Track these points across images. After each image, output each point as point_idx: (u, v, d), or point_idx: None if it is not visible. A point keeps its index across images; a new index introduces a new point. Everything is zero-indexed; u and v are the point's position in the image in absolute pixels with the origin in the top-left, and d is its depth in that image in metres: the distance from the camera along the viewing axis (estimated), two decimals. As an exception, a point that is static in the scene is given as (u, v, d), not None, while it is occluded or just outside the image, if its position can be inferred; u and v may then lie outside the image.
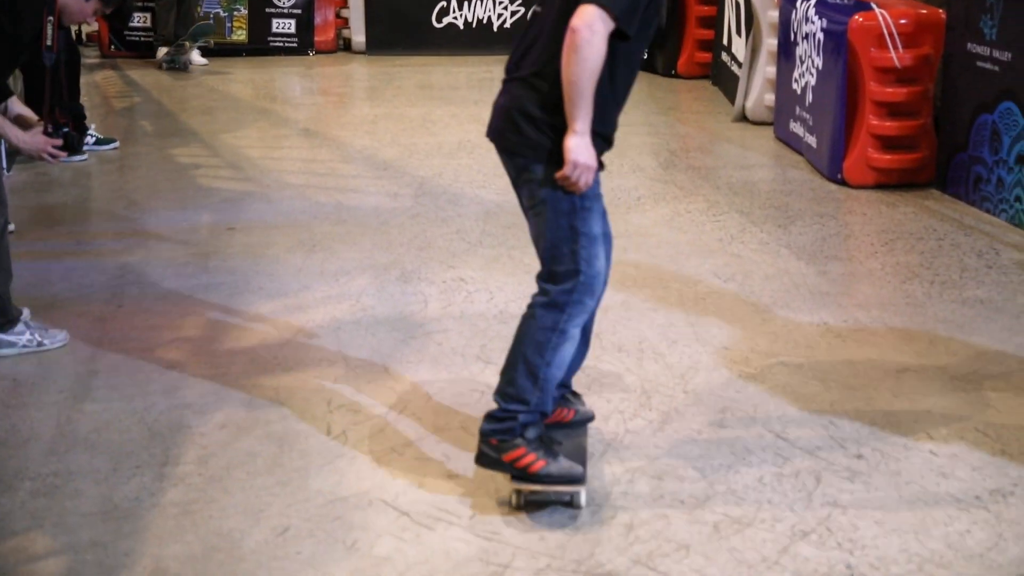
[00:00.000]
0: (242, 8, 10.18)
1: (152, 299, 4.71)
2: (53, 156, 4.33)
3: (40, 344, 4.19)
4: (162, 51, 9.68)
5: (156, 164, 6.85)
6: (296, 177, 6.59)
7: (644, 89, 8.77)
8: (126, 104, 8.56)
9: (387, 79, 9.35)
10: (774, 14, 7.24)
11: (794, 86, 6.80)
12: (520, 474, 3.09)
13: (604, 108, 3.02)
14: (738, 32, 8.01)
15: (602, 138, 3.10)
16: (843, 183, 6.19)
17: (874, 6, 6.12)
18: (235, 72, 9.62)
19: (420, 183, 6.40)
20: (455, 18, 10.20)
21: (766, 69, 7.41)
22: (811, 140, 6.54)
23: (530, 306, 3.13)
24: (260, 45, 10.21)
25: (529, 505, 3.10)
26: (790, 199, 6.03)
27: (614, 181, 6.31)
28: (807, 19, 6.55)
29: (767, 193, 6.15)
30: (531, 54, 3.06)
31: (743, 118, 7.67)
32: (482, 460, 3.15)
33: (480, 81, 9.23)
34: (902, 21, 6.00)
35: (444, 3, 10.19)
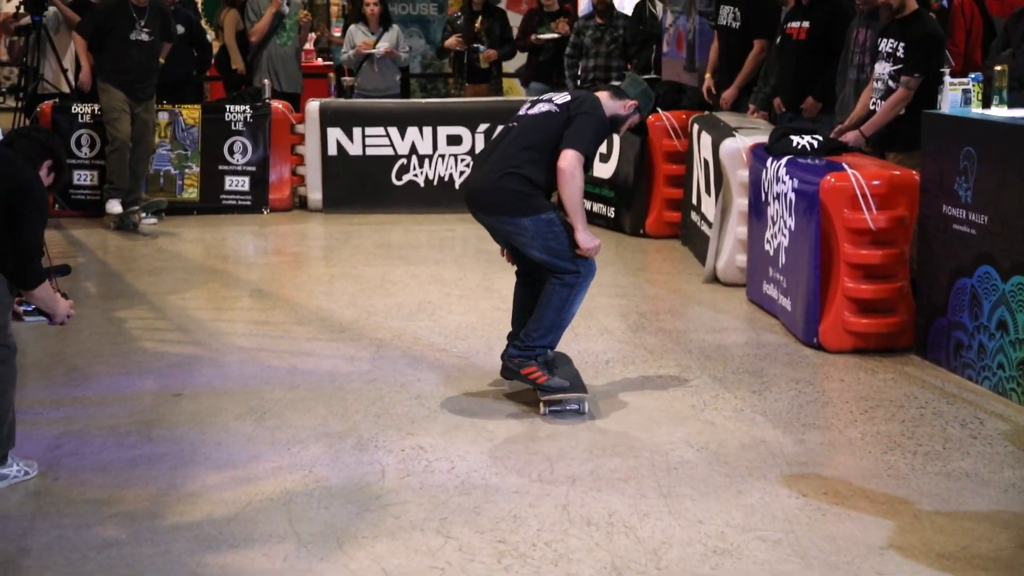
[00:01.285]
0: (194, 166, 10.31)
1: (91, 471, 4.65)
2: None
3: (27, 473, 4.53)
4: (114, 204, 9.70)
5: (99, 327, 6.84)
6: (247, 340, 6.59)
7: (611, 249, 8.90)
8: (70, 265, 8.57)
9: (344, 238, 9.45)
10: (744, 173, 7.42)
11: (766, 247, 6.93)
12: (531, 384, 5.31)
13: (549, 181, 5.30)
14: (707, 191, 8.18)
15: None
16: (819, 348, 6.26)
17: (846, 167, 6.29)
18: (185, 231, 9.70)
19: (378, 346, 6.42)
20: (415, 175, 10.38)
21: (737, 229, 7.55)
22: (785, 303, 6.64)
23: (550, 282, 5.27)
24: (212, 203, 10.31)
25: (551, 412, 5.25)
26: (765, 364, 6.08)
27: (581, 344, 6.36)
28: (778, 179, 6.71)
29: (741, 357, 6.21)
30: (511, 154, 5.28)
31: (714, 279, 7.77)
32: (506, 373, 5.44)
33: (441, 240, 9.35)
34: (875, 182, 6.17)
35: (404, 160, 10.38)
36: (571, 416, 5.27)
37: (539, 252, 5.26)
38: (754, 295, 7.22)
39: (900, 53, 6.78)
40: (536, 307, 5.34)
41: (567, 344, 6.32)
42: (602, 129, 5.36)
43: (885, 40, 6.90)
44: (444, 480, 4.56)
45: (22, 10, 10.90)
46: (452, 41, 11.36)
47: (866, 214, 6.13)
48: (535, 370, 5.29)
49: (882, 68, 6.90)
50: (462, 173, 10.29)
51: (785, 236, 6.62)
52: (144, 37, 9.64)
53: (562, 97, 5.39)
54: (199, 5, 13.73)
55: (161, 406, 5.46)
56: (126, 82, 9.62)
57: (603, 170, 9.55)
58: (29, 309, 6.41)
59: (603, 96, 5.45)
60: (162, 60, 9.91)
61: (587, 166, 5.30)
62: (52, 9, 10.61)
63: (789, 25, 8.12)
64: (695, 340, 6.51)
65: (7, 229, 4.60)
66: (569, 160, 5.14)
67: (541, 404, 5.28)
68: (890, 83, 6.84)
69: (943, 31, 7.26)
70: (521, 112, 5.46)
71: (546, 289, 5.30)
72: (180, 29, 10.83)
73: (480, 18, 11.25)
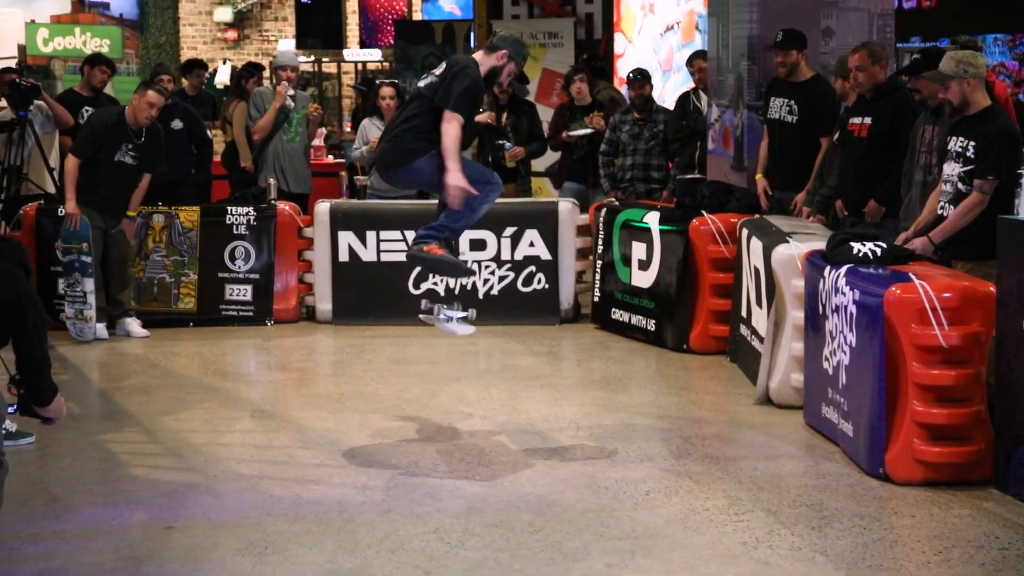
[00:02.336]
0: (191, 273, 10.41)
1: (72, 613, 4.62)
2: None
3: None
4: (100, 328, 9.80)
5: (83, 452, 6.85)
6: (247, 466, 6.59)
7: (652, 366, 8.91)
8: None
9: (356, 352, 9.48)
10: (799, 283, 7.43)
11: (825, 365, 6.91)
12: (430, 257, 6.86)
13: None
14: (758, 303, 8.19)
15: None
16: (886, 478, 6.21)
17: (913, 277, 6.29)
18: (181, 345, 9.76)
19: (393, 473, 6.41)
20: (434, 284, 10.43)
21: (792, 345, 7.54)
22: (847, 428, 6.60)
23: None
24: (211, 314, 10.39)
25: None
26: (825, 496, 6.03)
27: (618, 471, 6.33)
28: (837, 290, 6.72)
29: (798, 489, 6.16)
30: (402, 127, 6.92)
31: (767, 401, 7.75)
32: (411, 257, 7.01)
33: (463, 355, 9.36)
34: (946, 295, 6.16)
35: (419, 269, 10.43)
36: (587, 534, 5.20)
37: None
38: (811, 419, 7.18)
39: (971, 153, 6.82)
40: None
41: (603, 470, 6.31)
42: (472, 86, 6.81)
43: (954, 139, 6.94)
44: (466, 626, 4.52)
45: (2, 103, 11.09)
46: (483, 116, 11.40)
47: (936, 330, 6.11)
48: (436, 247, 6.89)
49: (951, 169, 6.94)
50: (486, 281, 10.34)
51: (845, 353, 6.60)
52: (128, 160, 9.76)
53: (441, 67, 6.98)
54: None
55: (151, 540, 5.44)
56: (100, 202, 9.76)
57: (643, 279, 9.59)
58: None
59: (478, 55, 7.10)
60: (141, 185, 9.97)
61: (468, 123, 6.88)
62: (39, 103, 10.81)
63: (851, 121, 8.20)
64: (746, 468, 6.47)
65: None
66: (444, 117, 6.73)
67: (436, 311, 7.15)
68: (960, 185, 6.88)
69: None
70: (413, 89, 7.29)
71: None
72: (178, 124, 11.04)
73: (506, 113, 11.37)
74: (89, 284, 9.75)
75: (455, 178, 6.67)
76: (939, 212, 7.01)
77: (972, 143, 6.82)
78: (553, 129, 11.78)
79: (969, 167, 6.82)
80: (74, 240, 9.72)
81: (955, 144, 6.92)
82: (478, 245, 10.41)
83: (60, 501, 5.99)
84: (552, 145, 11.73)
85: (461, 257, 10.20)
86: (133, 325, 9.96)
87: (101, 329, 9.85)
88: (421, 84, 7.04)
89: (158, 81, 10.96)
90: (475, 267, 10.33)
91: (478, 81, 6.90)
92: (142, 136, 9.75)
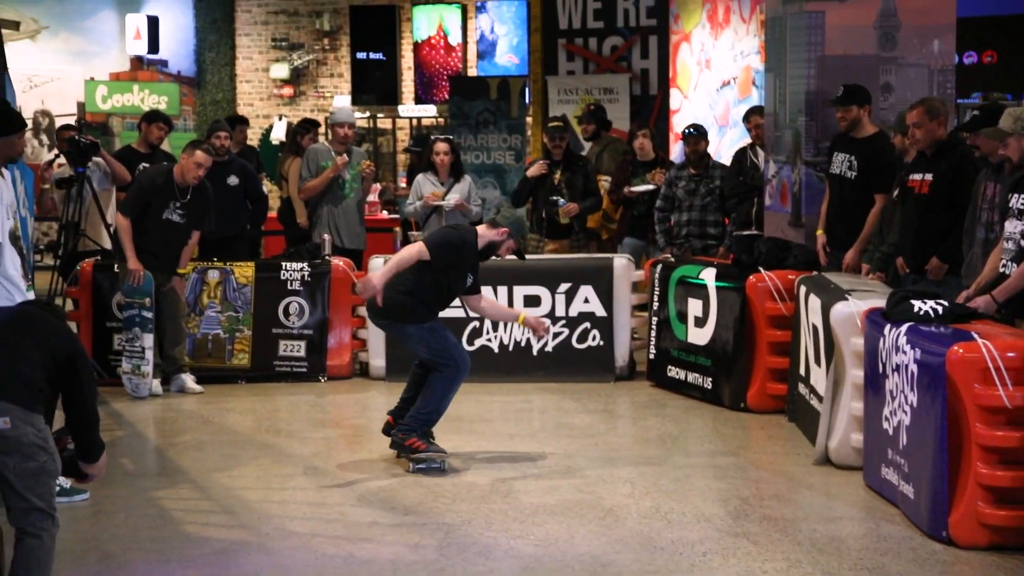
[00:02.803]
0: (245, 329, 10.46)
1: (123, 672, 4.63)
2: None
3: None
4: (155, 383, 9.90)
5: (137, 509, 6.89)
6: (300, 524, 6.59)
7: (709, 425, 8.85)
8: (106, 439, 8.62)
9: (409, 410, 9.47)
10: (858, 341, 7.37)
11: (885, 425, 6.84)
12: (412, 450, 7.62)
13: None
14: (817, 361, 8.14)
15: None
16: (949, 542, 6.12)
17: (976, 336, 6.23)
18: (234, 401, 9.80)
19: (446, 531, 6.39)
20: (488, 340, 10.44)
21: (851, 405, 7.48)
22: (908, 490, 6.52)
23: (430, 373, 7.74)
24: (264, 370, 10.43)
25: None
26: (886, 560, 5.96)
27: (675, 532, 6.28)
28: (897, 348, 6.66)
29: (858, 552, 6.09)
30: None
31: (826, 461, 7.67)
32: (394, 445, 7.77)
33: (517, 412, 9.35)
34: (1010, 354, 6.09)
35: (476, 323, 10.45)
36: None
37: (424, 352, 7.74)
38: (872, 480, 7.10)
39: (1033, 209, 6.78)
40: (421, 395, 7.75)
41: (659, 531, 6.26)
42: (453, 242, 7.70)
43: (1015, 196, 6.89)
44: None
45: (61, 160, 11.24)
46: (535, 169, 11.39)
47: (1000, 390, 6.03)
48: (416, 440, 7.61)
49: (1012, 227, 6.89)
50: (541, 338, 10.34)
51: (906, 413, 6.53)
52: (176, 218, 9.86)
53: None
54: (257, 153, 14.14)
55: (203, 599, 5.46)
56: (150, 260, 9.82)
57: (699, 336, 9.56)
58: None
59: (481, 228, 7.86)
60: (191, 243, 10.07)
61: (454, 283, 7.78)
62: (97, 160, 10.94)
63: (911, 177, 8.15)
64: (805, 530, 6.41)
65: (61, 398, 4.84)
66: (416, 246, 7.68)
67: (410, 464, 7.62)
68: (1022, 243, 6.82)
69: None
70: None
71: (430, 380, 7.74)
72: (234, 180, 11.15)
73: (560, 169, 11.39)
74: (148, 340, 9.83)
75: (373, 277, 7.61)
76: (1001, 270, 6.94)
77: None
78: (615, 184, 11.80)
79: (1031, 224, 6.78)
80: (136, 295, 9.81)
81: (1017, 201, 6.87)
82: (532, 301, 10.41)
83: (113, 558, 6.01)
84: (613, 200, 11.76)
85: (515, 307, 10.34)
86: (188, 381, 10.03)
87: (156, 385, 9.92)
88: None
89: (214, 137, 11.09)
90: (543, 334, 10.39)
91: (458, 243, 7.71)
92: (188, 194, 9.84)
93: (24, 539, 4.92)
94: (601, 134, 12.68)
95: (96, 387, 5.16)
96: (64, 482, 6.96)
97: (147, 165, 11.20)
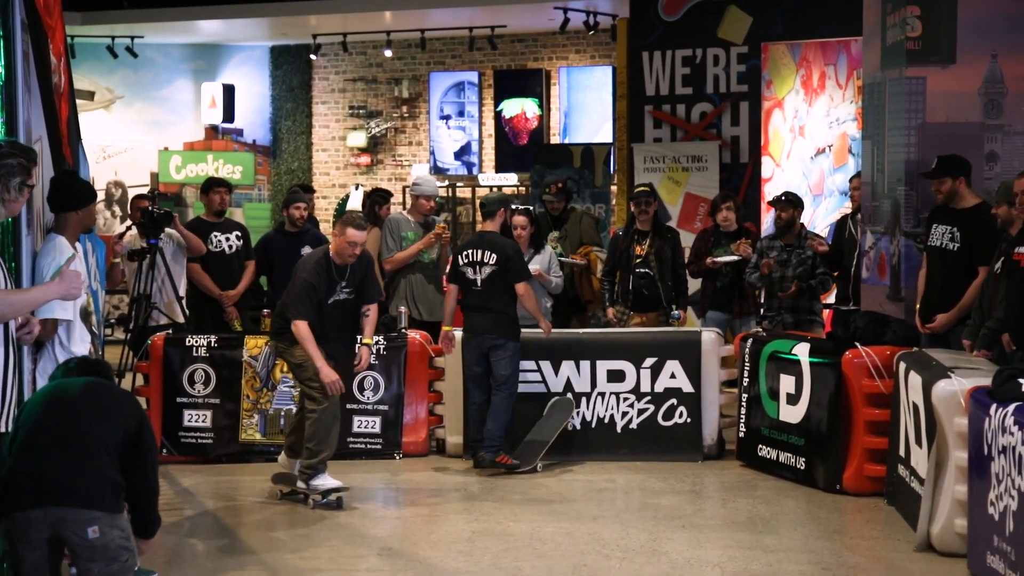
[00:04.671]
0: (319, 403, 10.50)
1: None
2: None
3: None
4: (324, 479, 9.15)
5: (205, 588, 6.91)
6: (373, 608, 6.58)
7: (802, 507, 8.74)
8: (175, 518, 8.73)
9: (488, 488, 9.47)
10: (962, 421, 7.27)
11: (991, 510, 6.73)
12: (504, 466, 9.87)
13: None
14: (918, 442, 8.03)
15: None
16: (1060, 635, 5.99)
17: (1087, 415, 6.12)
18: (307, 477, 9.82)
19: (525, 620, 6.34)
20: (573, 416, 10.41)
21: (955, 488, 7.36)
22: (1016, 579, 6.40)
23: (494, 395, 10.03)
24: (339, 447, 10.42)
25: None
26: (994, 654, 5.82)
27: (767, 624, 6.19)
28: (1004, 429, 6.56)
29: (963, 645, 5.97)
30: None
31: (928, 547, 7.56)
32: (481, 463, 9.95)
33: (600, 492, 9.30)
34: (1124, 434, 5.98)
35: (558, 398, 10.42)
36: None
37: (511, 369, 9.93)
38: (976, 568, 6.97)
39: None
40: (490, 419, 9.92)
41: (750, 622, 6.16)
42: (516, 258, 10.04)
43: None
44: None
45: (134, 231, 11.39)
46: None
47: (1114, 472, 5.92)
48: (505, 457, 9.79)
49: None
50: (625, 414, 10.29)
51: (1014, 498, 6.42)
52: (344, 296, 9.24)
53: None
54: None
55: None
56: (331, 346, 9.19)
57: (791, 414, 9.47)
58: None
59: (487, 224, 10.27)
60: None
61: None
62: (170, 231, 11.09)
63: (1017, 251, 8.06)
64: (907, 621, 6.29)
65: (121, 471, 4.89)
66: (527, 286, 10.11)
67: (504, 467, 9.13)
68: None
69: None
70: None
71: (495, 399, 9.94)
72: (308, 251, 11.24)
73: (648, 240, 11.38)
74: None
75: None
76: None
77: None
78: (695, 254, 11.76)
79: None
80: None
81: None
82: (616, 376, 10.39)
83: (180, 640, 6.03)
84: (693, 272, 11.71)
85: (597, 390, 10.35)
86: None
87: (326, 479, 9.14)
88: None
89: (293, 208, 11.29)
90: (613, 399, 10.35)
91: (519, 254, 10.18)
92: (346, 272, 9.17)
93: None
94: (570, 208, 12.45)
95: (158, 459, 5.22)
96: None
97: (218, 234, 11.42)
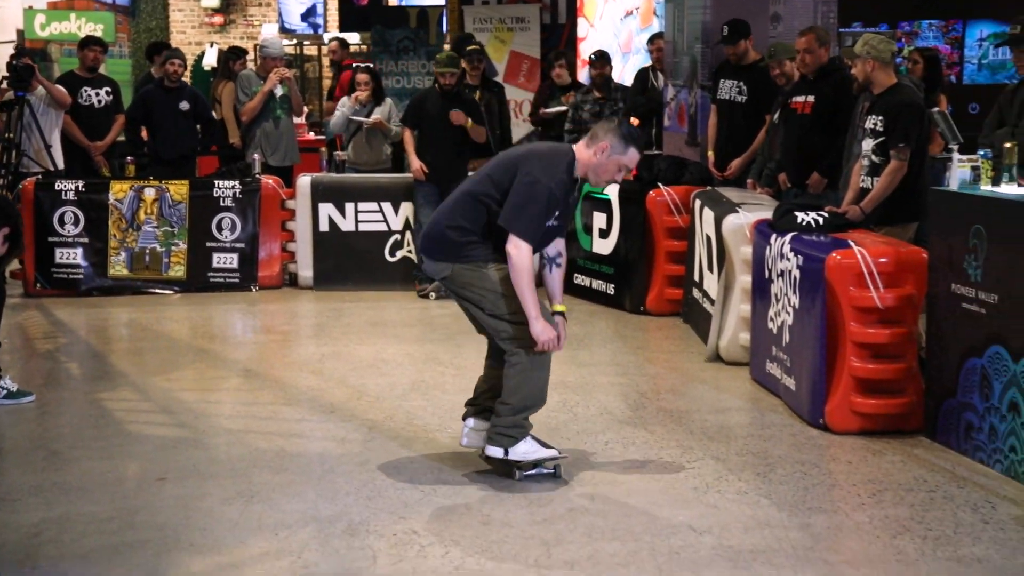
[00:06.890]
0: (181, 243, 10.38)
1: (71, 560, 4.66)
2: None
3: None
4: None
5: (80, 410, 6.87)
6: (234, 422, 6.62)
7: (611, 327, 8.95)
8: (50, 346, 8.62)
9: (335, 316, 9.50)
10: (747, 250, 7.49)
11: (770, 325, 6.98)
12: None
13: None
14: (710, 268, 8.25)
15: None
16: (825, 429, 6.29)
17: (852, 244, 6.36)
18: (171, 311, 9.75)
19: (370, 427, 6.44)
20: (410, 252, 10.44)
21: (740, 307, 7.61)
22: (789, 382, 6.67)
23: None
24: (199, 281, 10.38)
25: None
26: (769, 445, 6.11)
27: (580, 424, 6.38)
28: (782, 256, 6.78)
29: (744, 438, 6.23)
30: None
31: (717, 358, 7.82)
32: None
33: (435, 317, 9.39)
34: (882, 260, 6.23)
35: (398, 236, 10.45)
36: (549, 483, 5.29)
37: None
38: (758, 374, 7.26)
39: (880, 127, 6.93)
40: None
41: (566, 423, 6.37)
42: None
43: (869, 117, 7.07)
44: (438, 566, 4.56)
45: (4, 85, 11.05)
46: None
47: (873, 292, 6.18)
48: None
49: (866, 145, 7.08)
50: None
51: (789, 314, 6.67)
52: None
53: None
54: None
55: (144, 491, 5.47)
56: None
57: (603, 246, 9.64)
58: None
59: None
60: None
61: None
62: (39, 88, 10.80)
63: (794, 99, 8.25)
64: (697, 420, 6.54)
65: None
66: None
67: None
68: (873, 158, 7.00)
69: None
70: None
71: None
72: (185, 105, 11.07)
73: (478, 92, 11.34)
74: None
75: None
76: (860, 185, 7.11)
77: (881, 118, 6.94)
78: (534, 106, 12.10)
79: (879, 140, 6.93)
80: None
81: (868, 122, 7.05)
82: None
83: (59, 455, 6.00)
84: (533, 122, 11.99)
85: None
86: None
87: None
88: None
89: (169, 64, 11.11)
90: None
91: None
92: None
93: None
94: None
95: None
96: (11, 385, 6.94)
97: (88, 89, 11.16)
